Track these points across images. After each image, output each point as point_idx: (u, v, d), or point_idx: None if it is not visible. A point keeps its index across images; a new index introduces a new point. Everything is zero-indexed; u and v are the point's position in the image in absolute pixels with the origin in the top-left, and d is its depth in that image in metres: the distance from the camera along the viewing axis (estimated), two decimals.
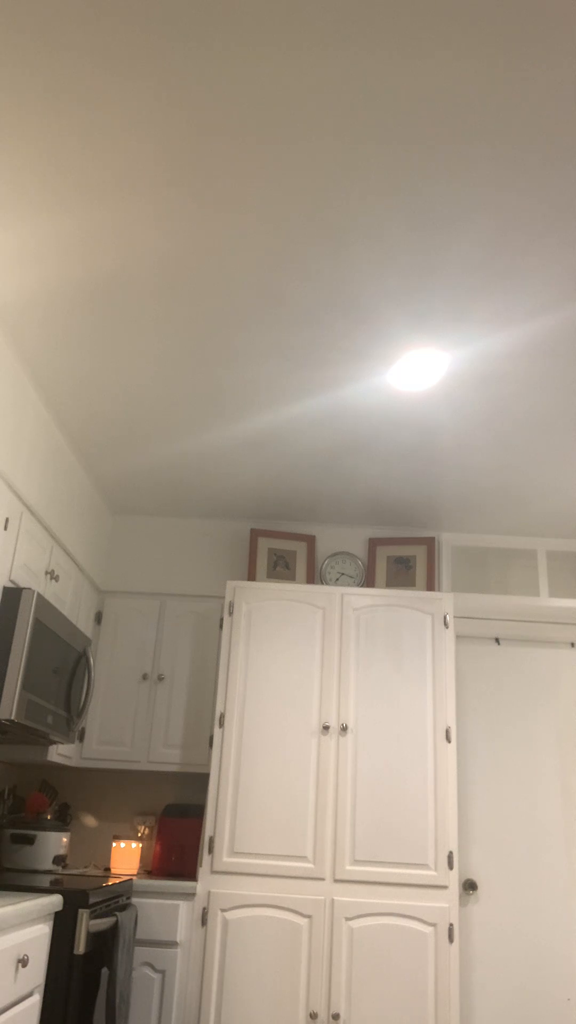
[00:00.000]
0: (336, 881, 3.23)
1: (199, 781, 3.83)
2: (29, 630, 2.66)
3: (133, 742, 3.64)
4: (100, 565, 3.90)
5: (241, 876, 3.22)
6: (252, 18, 1.58)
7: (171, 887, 3.16)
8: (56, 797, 3.75)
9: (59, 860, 3.11)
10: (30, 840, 3.06)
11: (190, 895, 3.17)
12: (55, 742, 3.14)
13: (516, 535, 4.05)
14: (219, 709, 3.45)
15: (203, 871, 3.23)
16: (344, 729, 3.42)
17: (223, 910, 3.17)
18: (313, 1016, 3.04)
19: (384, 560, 3.96)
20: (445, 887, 3.21)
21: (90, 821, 3.77)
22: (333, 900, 3.19)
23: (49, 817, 3.31)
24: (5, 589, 2.71)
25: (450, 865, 3.24)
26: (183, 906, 3.14)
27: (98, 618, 3.87)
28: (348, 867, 3.24)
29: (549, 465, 3.34)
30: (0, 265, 2.31)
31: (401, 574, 3.93)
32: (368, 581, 3.92)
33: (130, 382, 2.91)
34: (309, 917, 3.17)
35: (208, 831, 3.29)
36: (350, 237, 2.12)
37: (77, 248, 2.23)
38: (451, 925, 3.15)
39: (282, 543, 3.96)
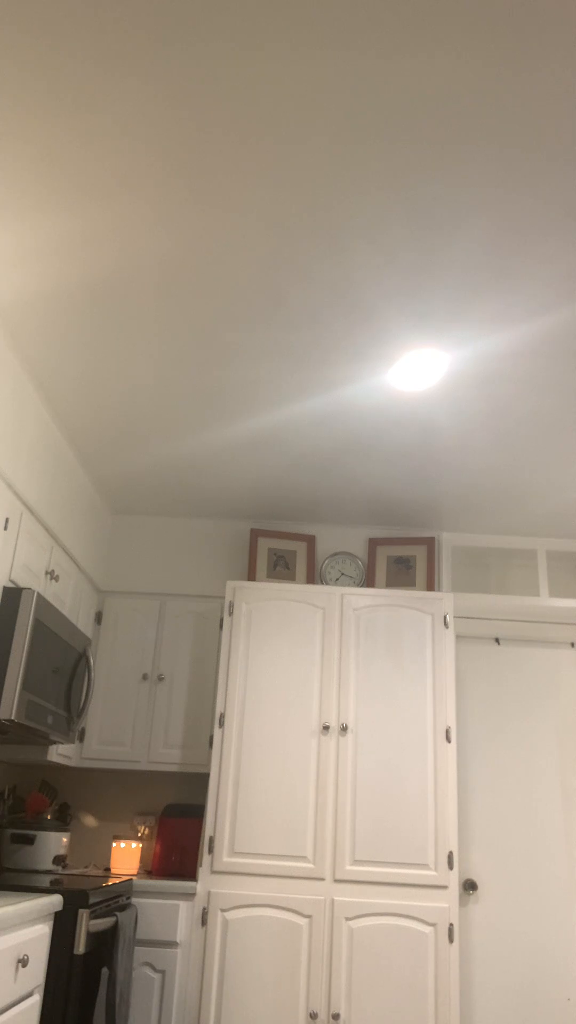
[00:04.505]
0: (336, 881, 3.23)
1: (199, 781, 3.83)
2: (29, 630, 2.66)
3: (133, 742, 3.64)
4: (100, 565, 3.90)
5: (241, 876, 3.22)
6: (252, 18, 1.58)
7: (171, 887, 3.16)
8: (56, 797, 3.75)
9: (59, 860, 3.11)
10: (30, 840, 3.06)
11: (190, 895, 3.17)
12: (55, 742, 3.14)
13: (516, 535, 4.05)
14: (219, 709, 3.45)
15: (203, 871, 3.23)
16: (344, 729, 3.42)
17: (223, 910, 3.17)
18: (313, 1016, 3.04)
19: (384, 560, 3.96)
20: (445, 887, 3.21)
21: (90, 821, 3.77)
22: (333, 900, 3.19)
23: (49, 817, 3.31)
24: (5, 589, 2.71)
25: (450, 865, 3.24)
26: (183, 906, 3.14)
27: (98, 618, 3.87)
28: (348, 867, 3.24)
29: (549, 465, 3.34)
30: (0, 265, 2.31)
31: (401, 574, 3.92)
32: (368, 581, 3.92)
33: (130, 382, 2.91)
34: (309, 917, 3.17)
35: (208, 831, 3.29)
36: (350, 237, 2.12)
37: (77, 248, 2.23)
38: (451, 925, 3.15)
39: (282, 543, 3.96)
